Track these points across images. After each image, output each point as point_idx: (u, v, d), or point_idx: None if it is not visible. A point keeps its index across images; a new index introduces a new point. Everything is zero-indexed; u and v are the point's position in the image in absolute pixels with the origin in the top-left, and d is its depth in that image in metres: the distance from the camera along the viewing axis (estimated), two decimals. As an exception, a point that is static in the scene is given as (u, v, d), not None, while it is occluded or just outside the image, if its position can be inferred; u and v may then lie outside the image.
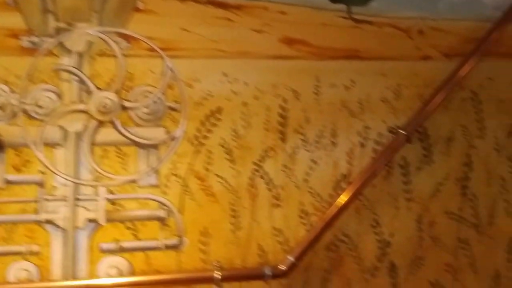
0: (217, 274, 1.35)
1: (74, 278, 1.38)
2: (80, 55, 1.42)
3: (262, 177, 1.49)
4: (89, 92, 1.41)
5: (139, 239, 1.42)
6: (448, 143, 1.58)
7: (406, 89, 1.57)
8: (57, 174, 1.38)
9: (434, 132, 1.58)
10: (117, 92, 1.42)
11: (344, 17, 1.55)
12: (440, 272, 1.55)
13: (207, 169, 1.47)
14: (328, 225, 1.44)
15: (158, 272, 1.41)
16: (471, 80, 1.58)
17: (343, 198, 1.44)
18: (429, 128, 1.57)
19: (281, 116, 1.52)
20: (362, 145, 1.55)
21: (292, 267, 1.39)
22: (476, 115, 1.60)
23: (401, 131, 1.49)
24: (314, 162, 1.52)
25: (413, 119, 1.50)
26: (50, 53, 1.37)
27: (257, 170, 1.49)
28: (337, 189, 1.52)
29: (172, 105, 1.46)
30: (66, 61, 1.40)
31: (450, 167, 1.58)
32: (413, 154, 1.57)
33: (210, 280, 1.35)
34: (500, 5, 1.58)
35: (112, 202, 1.41)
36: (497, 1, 1.59)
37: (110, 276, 1.40)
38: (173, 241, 1.44)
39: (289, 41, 1.53)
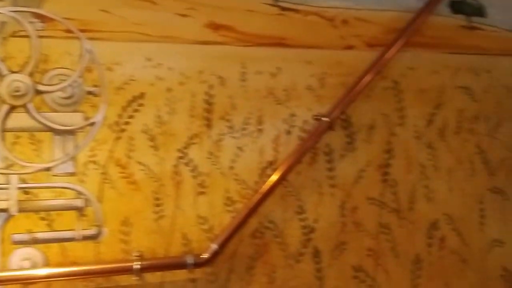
0: (136, 265, 1.31)
1: (-17, 271, 1.30)
2: (-10, 35, 1.33)
3: (186, 164, 1.47)
4: (0, 75, 1.33)
5: (54, 230, 1.35)
6: (370, 131, 1.62)
7: (331, 77, 1.59)
8: (-39, 162, 1.29)
9: (357, 120, 1.61)
10: (31, 75, 1.35)
11: (271, 4, 1.55)
12: (363, 257, 1.60)
13: (128, 156, 1.42)
14: (253, 212, 1.43)
15: (74, 263, 1.35)
16: (392, 70, 1.63)
17: (267, 185, 1.45)
18: (352, 116, 1.61)
19: (207, 102, 1.50)
20: (288, 132, 1.56)
21: (215, 255, 1.38)
22: (397, 104, 1.65)
23: (324, 118, 1.51)
24: (240, 149, 1.51)
25: (335, 107, 1.53)
26: (-47, 32, 1.28)
27: (181, 157, 1.47)
28: (263, 176, 1.52)
29: (91, 89, 1.40)
30: (-28, 41, 1.31)
31: (372, 154, 1.62)
32: (337, 141, 1.60)
33: (129, 270, 1.31)
34: (420, -4, 1.64)
35: (25, 191, 1.34)
36: (419, -8, 1.65)
37: (23, 268, 1.32)
38: (91, 231, 1.38)
39: (214, 27, 1.51)
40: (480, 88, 1.70)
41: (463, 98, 1.69)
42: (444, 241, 1.66)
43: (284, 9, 1.55)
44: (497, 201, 1.71)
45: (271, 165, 1.53)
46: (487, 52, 1.70)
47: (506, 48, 1.72)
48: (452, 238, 1.67)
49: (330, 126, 1.52)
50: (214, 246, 1.38)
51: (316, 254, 1.56)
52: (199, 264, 1.37)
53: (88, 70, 1.39)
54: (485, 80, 1.71)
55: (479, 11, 1.70)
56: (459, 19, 1.70)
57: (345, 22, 1.61)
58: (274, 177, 1.46)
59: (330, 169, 1.59)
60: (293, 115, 1.57)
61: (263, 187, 1.45)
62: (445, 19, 1.69)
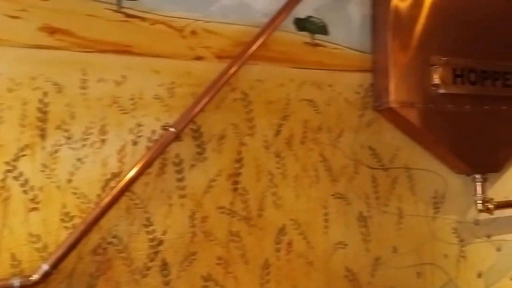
0: None
1: None
2: None
3: (16, 178, 1.35)
4: None
5: None
6: (221, 141, 1.65)
7: (180, 87, 1.59)
8: None
9: (207, 130, 1.63)
10: None
11: (114, 10, 1.50)
12: (212, 266, 1.60)
13: None
14: (92, 226, 1.36)
15: None
16: (242, 82, 1.68)
17: (109, 198, 1.39)
18: (203, 126, 1.62)
19: (41, 111, 1.39)
20: (135, 143, 1.52)
21: (46, 275, 1.28)
22: (246, 114, 1.70)
23: (170, 128, 1.49)
24: (80, 160, 1.43)
25: (183, 117, 1.52)
26: None
27: (9, 171, 1.34)
28: (107, 189, 1.45)
29: None
30: None
31: (222, 163, 1.65)
32: (187, 151, 1.59)
33: None
34: (268, 12, 1.71)
35: None
36: (266, 7, 1.72)
37: None
38: None
39: (50, 30, 1.42)
40: (323, 101, 1.83)
41: (308, 110, 1.80)
42: (291, 245, 1.74)
43: (129, 16, 1.51)
44: (340, 206, 1.84)
45: (116, 177, 1.47)
46: (329, 67, 1.84)
47: (346, 64, 1.87)
48: (298, 242, 1.75)
49: (177, 136, 1.51)
50: (44, 267, 1.28)
51: (164, 266, 1.53)
52: (27, 286, 1.26)
53: None
54: (327, 94, 1.84)
55: (322, 29, 1.82)
56: (304, 36, 1.80)
57: (194, 33, 1.62)
58: (117, 189, 1.40)
59: (180, 180, 1.58)
60: (140, 124, 1.53)
61: (105, 200, 1.39)
62: (290, 36, 1.78)
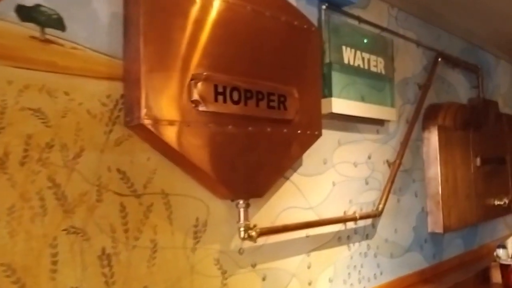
0: None
1: None
2: None
3: None
4: None
5: None
6: None
7: None
8: None
9: None
10: None
11: None
12: None
13: None
14: None
15: None
16: None
17: None
18: None
19: None
20: None
21: None
22: None
23: None
24: None
25: None
26: None
27: None
28: None
29: None
30: None
31: None
32: None
33: None
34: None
35: None
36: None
37: None
38: None
39: None
40: (55, 111, 1.46)
41: (33, 121, 1.42)
42: (-4, 301, 1.31)
43: None
44: (75, 243, 1.48)
45: None
46: (66, 71, 1.49)
47: (90, 69, 1.55)
48: (10, 295, 1.34)
49: None
50: None
51: None
52: None
53: None
54: (62, 103, 1.48)
55: (56, 23, 1.47)
56: (30, 29, 1.42)
57: None
58: None
59: None
60: None
61: None
62: (10, 26, 1.38)
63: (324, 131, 2.42)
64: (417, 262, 3.22)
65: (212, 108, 1.71)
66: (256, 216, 2.02)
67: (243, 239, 1.88)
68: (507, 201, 4.11)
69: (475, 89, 4.07)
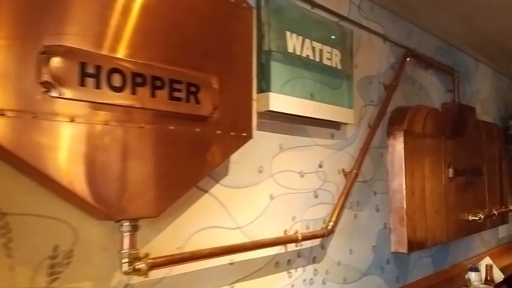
0: None
1: None
2: None
3: None
4: None
5: None
6: None
7: None
8: None
9: None
10: None
11: None
12: None
13: None
14: None
15: None
16: None
17: None
18: None
19: None
20: None
21: None
22: None
23: None
24: None
25: None
26: None
27: None
28: None
29: None
30: None
31: None
32: None
33: None
34: None
35: None
36: None
37: None
38: None
39: None
40: None
41: None
42: None
43: None
44: None
45: None
46: None
47: None
48: None
49: None
50: None
51: None
52: None
53: None
54: None
55: None
56: None
57: None
58: None
59: None
60: None
61: None
62: None
63: (259, 133, 1.99)
64: (376, 287, 2.78)
65: (75, 95, 1.24)
66: (155, 241, 1.56)
67: (127, 273, 1.40)
68: (482, 216, 3.70)
69: (450, 92, 3.69)
